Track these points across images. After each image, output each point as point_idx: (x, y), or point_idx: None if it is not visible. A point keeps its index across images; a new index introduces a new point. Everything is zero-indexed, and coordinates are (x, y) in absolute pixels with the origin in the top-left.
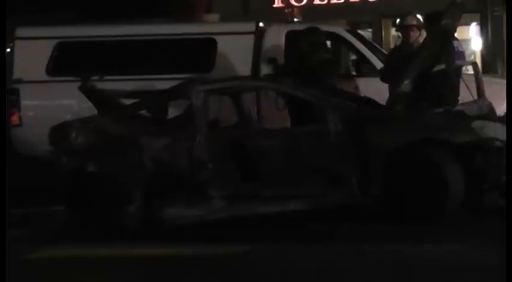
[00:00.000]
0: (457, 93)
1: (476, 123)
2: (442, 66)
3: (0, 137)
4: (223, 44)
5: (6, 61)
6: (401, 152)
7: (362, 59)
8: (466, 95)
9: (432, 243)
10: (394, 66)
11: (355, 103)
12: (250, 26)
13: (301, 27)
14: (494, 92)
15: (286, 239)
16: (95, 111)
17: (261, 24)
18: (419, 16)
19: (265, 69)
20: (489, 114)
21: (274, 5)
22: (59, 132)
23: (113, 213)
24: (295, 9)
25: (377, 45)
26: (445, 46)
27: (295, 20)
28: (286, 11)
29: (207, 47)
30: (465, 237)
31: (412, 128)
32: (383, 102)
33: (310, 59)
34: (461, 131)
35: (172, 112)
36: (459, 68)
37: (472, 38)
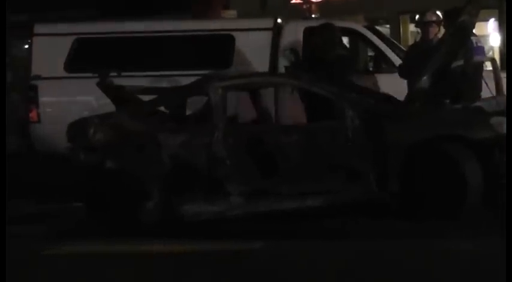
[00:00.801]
0: (476, 89)
1: (495, 120)
2: (461, 63)
3: (0, 136)
4: (241, 41)
5: (25, 57)
6: (419, 148)
7: (380, 55)
8: (484, 91)
9: (449, 240)
10: (413, 62)
11: (373, 99)
12: (268, 23)
13: (319, 23)
14: None
15: (304, 236)
16: (113, 108)
17: (278, 20)
18: (438, 12)
19: (282, 65)
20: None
21: (292, 1)
22: (77, 128)
23: (131, 209)
24: (313, 6)
25: (395, 41)
26: (463, 42)
27: (313, 16)
28: (304, 7)
29: (225, 43)
30: (482, 234)
31: (430, 124)
32: (401, 98)
33: (325, 55)
34: (479, 127)
35: (191, 108)
36: (479, 64)
37: (490, 34)
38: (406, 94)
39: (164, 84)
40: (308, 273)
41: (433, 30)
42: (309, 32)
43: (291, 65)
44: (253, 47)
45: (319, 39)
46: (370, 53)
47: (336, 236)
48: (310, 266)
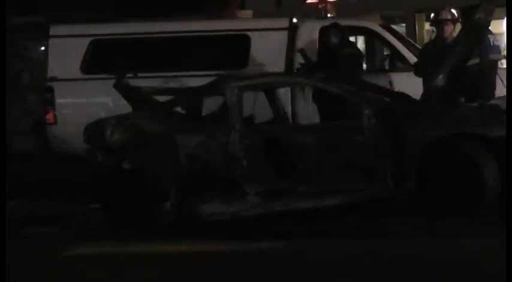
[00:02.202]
0: (492, 87)
1: None
2: (477, 61)
3: (1, 136)
4: (257, 41)
5: (41, 59)
6: (436, 147)
7: (395, 53)
8: (501, 89)
9: (467, 238)
10: (428, 61)
11: (389, 98)
12: (283, 22)
13: (330, 22)
14: None
15: (322, 235)
16: (129, 109)
17: (294, 20)
18: (453, 10)
19: (298, 64)
20: None
21: (308, 1)
22: (94, 129)
23: (148, 210)
24: (328, 5)
25: (410, 40)
26: (478, 40)
27: (329, 15)
28: (319, 6)
29: (240, 43)
30: (499, 232)
31: (446, 122)
32: (417, 96)
33: (335, 54)
34: (495, 125)
35: (207, 109)
36: (494, 62)
37: (505, 32)
38: (421, 92)
39: (180, 84)
40: (326, 272)
41: (448, 28)
42: (324, 32)
43: (304, 66)
44: (269, 47)
45: (328, 38)
46: (386, 52)
47: (354, 234)
48: (328, 265)
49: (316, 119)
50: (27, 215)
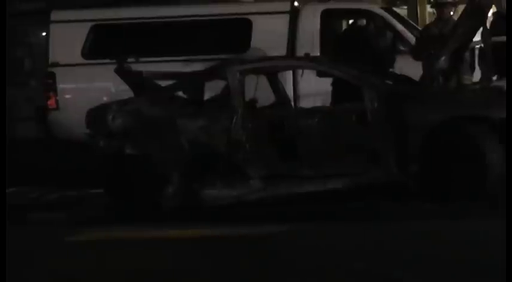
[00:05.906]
0: (495, 69)
1: None
2: (479, 43)
3: (1, 134)
4: (259, 24)
5: (43, 45)
6: (438, 129)
7: (397, 36)
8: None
9: (469, 221)
10: (428, 44)
11: (392, 81)
12: (285, 6)
13: (336, 6)
14: None
15: (326, 219)
16: (131, 94)
17: (296, 3)
18: None
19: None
20: None
21: None
22: (96, 115)
23: (151, 195)
24: None
25: (412, 23)
26: (481, 22)
27: None
28: None
29: (242, 27)
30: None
31: (449, 105)
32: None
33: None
34: (499, 107)
35: (209, 93)
36: (501, 43)
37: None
38: (420, 75)
39: (182, 69)
40: (332, 256)
41: (447, 11)
42: (326, 15)
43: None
44: (270, 30)
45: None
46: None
47: (357, 218)
48: (333, 248)
49: (319, 103)
50: (30, 201)
